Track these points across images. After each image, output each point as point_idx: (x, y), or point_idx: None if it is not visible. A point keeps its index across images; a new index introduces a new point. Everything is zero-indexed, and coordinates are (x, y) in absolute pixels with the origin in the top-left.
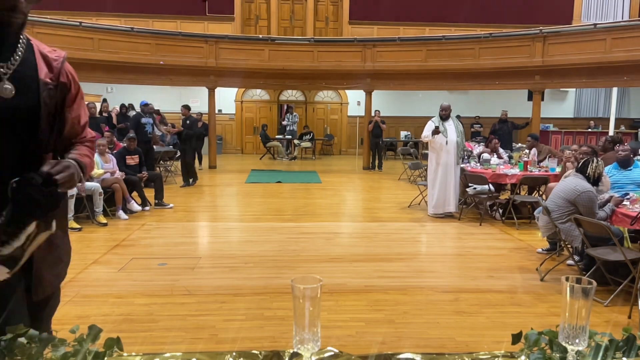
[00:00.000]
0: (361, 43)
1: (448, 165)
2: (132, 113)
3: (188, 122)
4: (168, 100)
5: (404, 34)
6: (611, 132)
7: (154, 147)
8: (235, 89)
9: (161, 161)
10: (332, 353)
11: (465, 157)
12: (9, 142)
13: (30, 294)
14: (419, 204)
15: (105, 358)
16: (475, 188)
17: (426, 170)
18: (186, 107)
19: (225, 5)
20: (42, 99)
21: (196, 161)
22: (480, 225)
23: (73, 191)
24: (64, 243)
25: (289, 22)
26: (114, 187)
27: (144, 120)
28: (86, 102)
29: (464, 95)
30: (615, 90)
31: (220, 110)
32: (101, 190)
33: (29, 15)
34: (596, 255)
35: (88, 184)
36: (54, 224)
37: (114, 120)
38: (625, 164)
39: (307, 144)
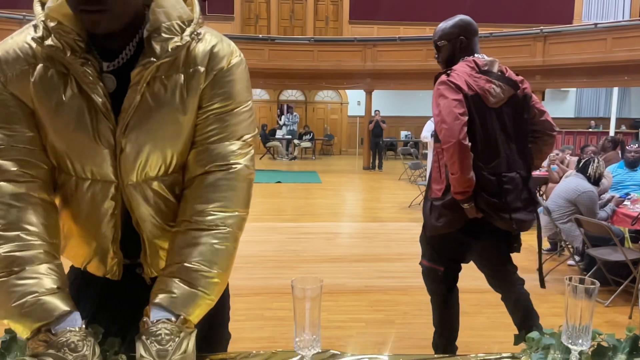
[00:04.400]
0: (361, 43)
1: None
2: None
3: None
4: None
5: (404, 33)
6: (612, 132)
7: None
8: None
9: None
10: (333, 353)
11: None
12: None
13: None
14: (419, 204)
15: (105, 358)
16: None
17: (426, 170)
18: None
19: (225, 4)
20: None
21: None
22: None
23: None
24: None
25: (289, 22)
26: None
27: None
28: None
29: None
30: (616, 90)
31: None
32: None
33: (28, 14)
34: (597, 255)
35: None
36: None
37: None
38: (633, 164)
39: (307, 144)
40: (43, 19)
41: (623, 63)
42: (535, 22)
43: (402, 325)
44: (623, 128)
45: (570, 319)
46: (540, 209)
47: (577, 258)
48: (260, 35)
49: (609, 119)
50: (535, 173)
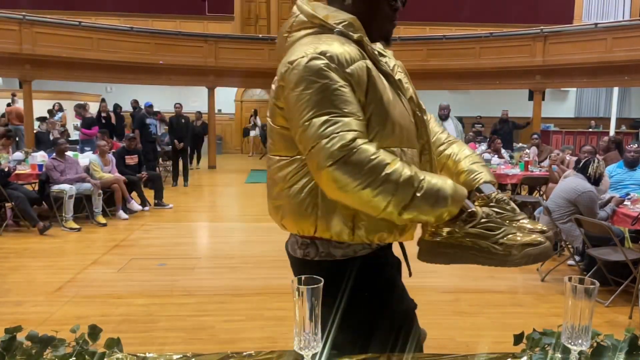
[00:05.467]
0: None
1: None
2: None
3: (183, 121)
4: (167, 100)
5: (404, 33)
6: (612, 132)
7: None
8: (235, 89)
9: (160, 161)
10: (333, 353)
11: None
12: None
13: None
14: None
15: (105, 358)
16: None
17: None
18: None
19: (225, 4)
20: None
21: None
22: None
23: (72, 191)
24: None
25: None
26: (112, 187)
27: (148, 120)
28: (81, 102)
29: (465, 95)
30: (616, 90)
31: (219, 110)
32: (100, 191)
33: (28, 14)
34: (597, 255)
35: (85, 184)
36: None
37: (112, 120)
38: (633, 164)
39: None
40: (345, 27)
41: (623, 63)
42: (536, 22)
43: None
44: (623, 128)
45: (570, 319)
46: (540, 209)
47: (577, 258)
48: (260, 35)
49: (609, 119)
50: (536, 173)
